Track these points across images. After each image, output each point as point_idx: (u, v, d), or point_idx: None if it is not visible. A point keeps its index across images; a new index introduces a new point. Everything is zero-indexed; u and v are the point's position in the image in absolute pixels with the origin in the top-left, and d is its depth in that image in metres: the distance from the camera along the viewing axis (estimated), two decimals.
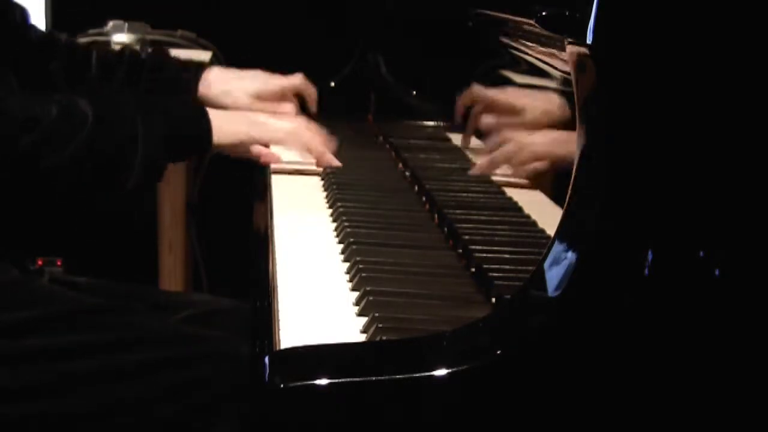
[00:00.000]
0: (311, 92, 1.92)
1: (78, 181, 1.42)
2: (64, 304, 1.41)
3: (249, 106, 1.79)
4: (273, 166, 1.63)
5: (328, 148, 1.64)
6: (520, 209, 1.34)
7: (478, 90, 1.63)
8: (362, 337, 0.96)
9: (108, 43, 2.48)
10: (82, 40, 2.51)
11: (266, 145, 1.63)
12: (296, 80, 1.90)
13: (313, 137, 1.63)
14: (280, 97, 1.85)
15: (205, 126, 1.53)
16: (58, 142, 1.38)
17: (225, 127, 1.55)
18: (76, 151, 1.39)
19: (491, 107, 1.57)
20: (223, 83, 1.80)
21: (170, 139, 1.48)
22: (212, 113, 1.55)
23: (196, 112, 1.56)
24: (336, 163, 1.62)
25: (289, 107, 1.86)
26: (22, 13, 1.63)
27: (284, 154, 1.65)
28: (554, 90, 1.22)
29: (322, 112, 1.95)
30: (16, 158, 1.36)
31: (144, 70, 1.79)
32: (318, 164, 1.62)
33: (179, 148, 1.53)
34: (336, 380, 0.81)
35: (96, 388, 1.34)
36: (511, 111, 1.46)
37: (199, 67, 1.85)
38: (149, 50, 1.89)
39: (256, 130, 1.59)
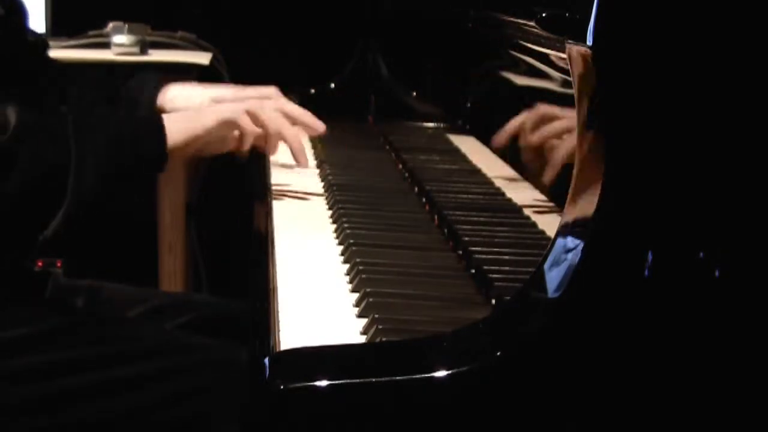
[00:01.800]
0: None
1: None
2: (62, 318, 1.41)
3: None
4: (272, 168, 1.61)
5: (305, 123, 1.51)
6: (519, 210, 1.34)
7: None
8: (362, 339, 0.96)
9: (107, 45, 2.48)
10: (82, 42, 2.52)
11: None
12: (268, 91, 1.72)
13: (272, 113, 1.47)
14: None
15: (156, 134, 1.37)
16: None
17: (175, 126, 1.39)
18: None
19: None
20: (184, 97, 1.68)
21: (111, 154, 1.32)
22: (165, 117, 1.41)
23: (144, 121, 1.42)
24: (299, 139, 1.49)
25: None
26: (21, 15, 1.53)
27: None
28: (554, 92, 1.22)
29: (322, 112, 1.95)
30: None
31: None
32: (287, 143, 1.49)
33: (124, 164, 1.35)
34: (336, 381, 0.81)
35: (96, 401, 1.33)
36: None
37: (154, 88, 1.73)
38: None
39: (207, 116, 1.43)
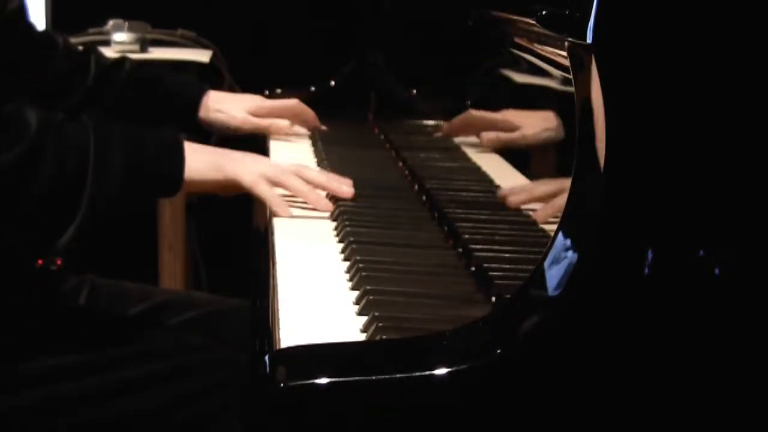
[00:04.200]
0: (309, 115, 1.91)
1: (5, 212, 1.21)
2: (63, 320, 1.40)
3: (242, 121, 1.79)
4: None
5: (333, 189, 1.42)
6: (519, 208, 1.34)
7: (475, 114, 1.60)
8: (362, 337, 0.96)
9: (107, 42, 2.48)
10: (82, 39, 2.52)
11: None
12: (291, 103, 1.90)
13: (297, 181, 1.40)
14: (275, 115, 1.86)
15: (175, 160, 1.33)
16: None
17: (196, 162, 1.35)
18: (7, 166, 1.18)
19: (490, 127, 1.53)
20: (217, 103, 1.78)
21: (130, 171, 1.28)
22: (188, 148, 1.36)
23: (166, 145, 1.35)
24: (325, 205, 1.39)
25: (285, 123, 1.86)
26: (21, 7, 1.53)
27: None
28: (554, 90, 1.22)
29: (322, 112, 1.96)
30: None
31: (142, 85, 1.75)
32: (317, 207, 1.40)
33: (141, 184, 1.32)
34: (336, 379, 0.81)
35: (97, 404, 1.33)
36: (510, 129, 1.43)
37: (199, 88, 1.81)
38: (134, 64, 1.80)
39: (230, 166, 1.37)
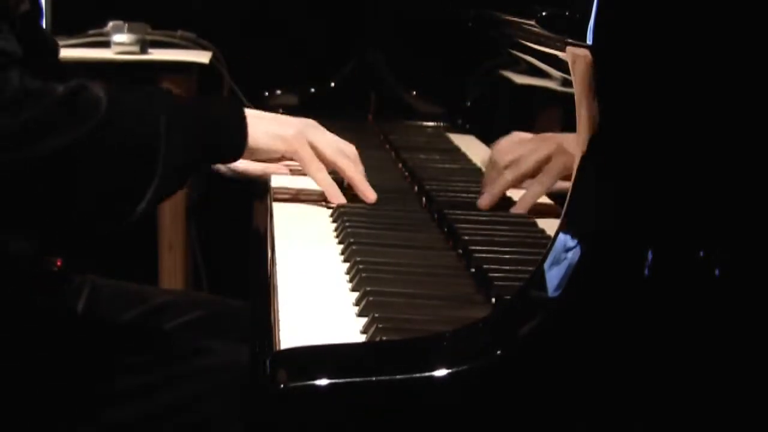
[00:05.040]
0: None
1: (86, 184, 1.20)
2: (67, 326, 1.40)
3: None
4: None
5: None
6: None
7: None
8: (362, 338, 0.96)
9: (107, 44, 2.48)
10: (82, 40, 2.52)
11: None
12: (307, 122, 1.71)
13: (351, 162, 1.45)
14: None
15: (241, 126, 1.36)
16: (62, 125, 1.17)
17: (262, 129, 1.38)
18: (84, 139, 1.18)
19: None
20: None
21: (200, 138, 1.31)
22: (249, 115, 1.38)
23: (231, 110, 1.38)
24: (371, 195, 1.44)
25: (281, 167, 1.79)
26: (34, 9, 1.52)
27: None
28: (554, 91, 1.23)
29: (322, 112, 1.95)
30: (8, 136, 1.15)
31: None
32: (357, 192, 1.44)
33: (209, 150, 1.35)
34: (336, 380, 0.81)
35: (98, 411, 1.33)
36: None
37: None
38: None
39: (301, 136, 1.42)
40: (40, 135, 1.15)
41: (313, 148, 1.43)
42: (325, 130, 1.48)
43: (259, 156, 1.43)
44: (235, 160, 1.40)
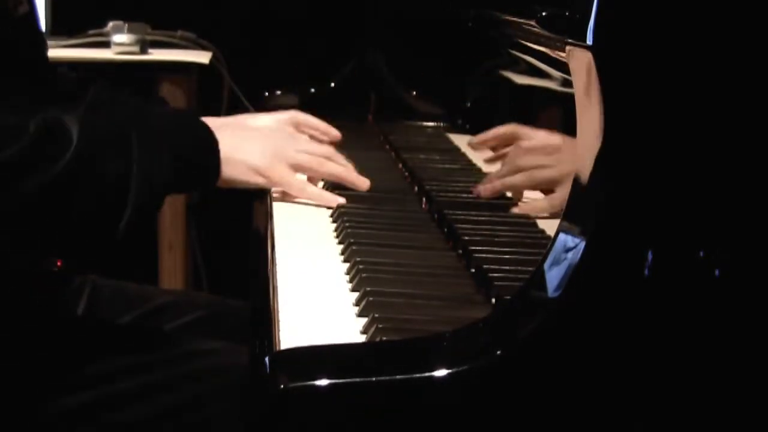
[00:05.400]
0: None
1: (61, 219, 1.21)
2: (67, 329, 1.40)
3: None
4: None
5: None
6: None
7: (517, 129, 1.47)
8: (362, 338, 0.96)
9: (107, 44, 2.48)
10: (82, 41, 2.52)
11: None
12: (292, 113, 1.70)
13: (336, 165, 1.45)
14: None
15: (213, 157, 1.33)
16: (33, 166, 1.17)
17: (237, 156, 1.35)
18: (55, 178, 1.17)
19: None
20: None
21: (175, 167, 1.28)
22: (222, 138, 1.35)
23: (204, 136, 1.34)
24: (364, 182, 1.45)
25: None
26: (32, 12, 1.48)
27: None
28: (554, 91, 1.22)
29: (322, 112, 1.95)
30: None
31: None
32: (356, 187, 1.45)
33: (183, 180, 1.31)
34: (336, 381, 0.81)
35: (101, 412, 1.33)
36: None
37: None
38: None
39: (278, 163, 1.39)
40: (12, 177, 1.15)
41: (295, 167, 1.41)
42: (298, 136, 1.48)
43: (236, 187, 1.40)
44: (209, 189, 1.37)
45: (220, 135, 1.34)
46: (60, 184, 1.18)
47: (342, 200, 1.40)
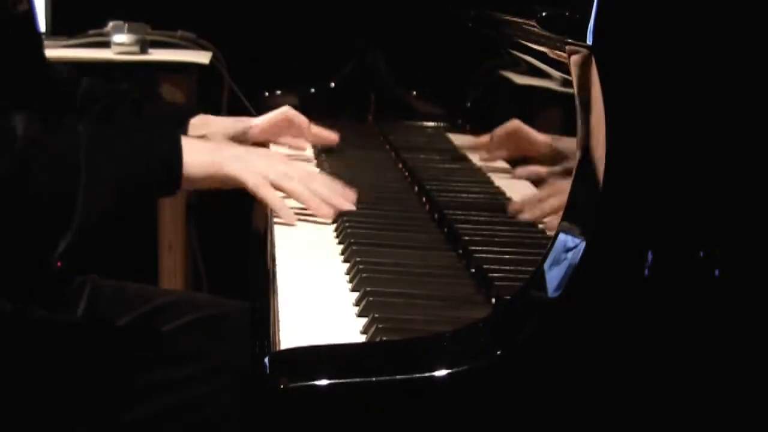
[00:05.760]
0: (301, 120, 1.77)
1: (4, 216, 1.19)
2: (65, 330, 1.40)
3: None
4: None
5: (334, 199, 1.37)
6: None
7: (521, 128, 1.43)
8: (362, 338, 0.96)
9: (107, 44, 2.48)
10: (82, 41, 2.52)
11: None
12: (279, 115, 1.74)
13: (299, 185, 1.36)
14: (267, 135, 1.74)
15: (173, 160, 1.30)
16: None
17: (196, 158, 1.32)
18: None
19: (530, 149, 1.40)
20: (199, 129, 1.66)
21: (124, 178, 1.26)
22: (187, 146, 1.33)
23: (164, 144, 1.32)
24: (326, 213, 1.35)
25: (307, 147, 1.76)
26: (30, 11, 1.49)
27: None
28: (554, 92, 1.22)
29: (322, 112, 1.95)
30: None
31: (127, 108, 1.67)
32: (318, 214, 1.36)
33: (136, 188, 1.30)
34: (336, 381, 0.81)
35: (101, 414, 1.33)
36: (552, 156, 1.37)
37: (186, 111, 1.73)
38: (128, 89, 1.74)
39: (232, 164, 1.35)
40: None
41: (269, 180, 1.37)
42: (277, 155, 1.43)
43: (198, 186, 1.38)
44: (172, 193, 1.35)
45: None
46: (5, 174, 1.17)
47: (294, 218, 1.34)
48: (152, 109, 1.70)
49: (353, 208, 1.36)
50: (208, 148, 1.38)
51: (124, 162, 1.28)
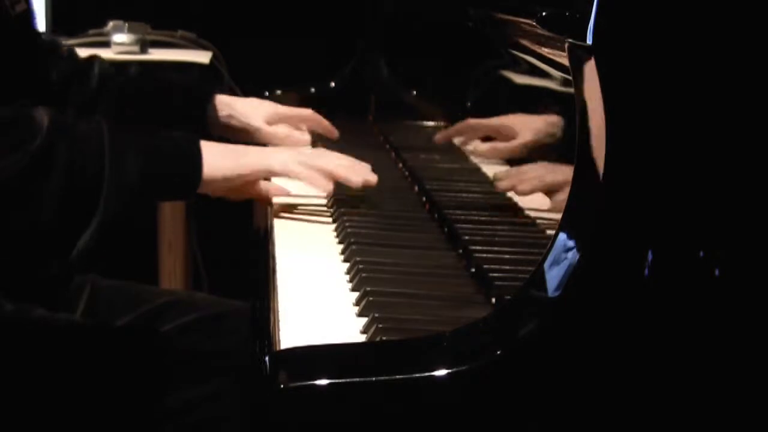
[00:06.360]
0: (324, 126, 1.80)
1: (27, 207, 1.19)
2: (65, 330, 1.40)
3: (257, 130, 1.70)
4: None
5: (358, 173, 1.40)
6: (520, 209, 1.34)
7: (472, 122, 1.52)
8: (362, 338, 0.96)
9: (107, 44, 2.48)
10: (82, 41, 2.52)
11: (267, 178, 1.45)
12: (306, 113, 1.79)
13: (332, 162, 1.40)
14: (291, 124, 1.77)
15: (193, 160, 1.31)
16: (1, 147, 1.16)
17: (215, 160, 1.33)
18: (24, 165, 1.17)
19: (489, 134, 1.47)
20: (228, 108, 1.70)
21: (146, 173, 1.26)
22: (205, 146, 1.34)
23: (182, 145, 1.33)
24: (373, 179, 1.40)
25: (304, 137, 1.77)
26: (29, 11, 1.51)
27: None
28: (554, 91, 1.22)
29: (322, 112, 1.95)
30: None
31: (144, 93, 1.70)
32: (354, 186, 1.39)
33: (158, 183, 1.30)
34: (336, 380, 0.81)
35: (101, 415, 1.33)
36: (509, 136, 1.41)
37: (207, 93, 1.74)
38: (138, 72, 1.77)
39: (255, 158, 1.37)
40: None
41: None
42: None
43: (222, 186, 1.38)
44: (190, 195, 1.36)
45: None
46: (22, 174, 1.17)
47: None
48: (170, 96, 1.71)
49: (375, 177, 1.39)
50: (229, 149, 1.38)
51: (146, 154, 1.28)
